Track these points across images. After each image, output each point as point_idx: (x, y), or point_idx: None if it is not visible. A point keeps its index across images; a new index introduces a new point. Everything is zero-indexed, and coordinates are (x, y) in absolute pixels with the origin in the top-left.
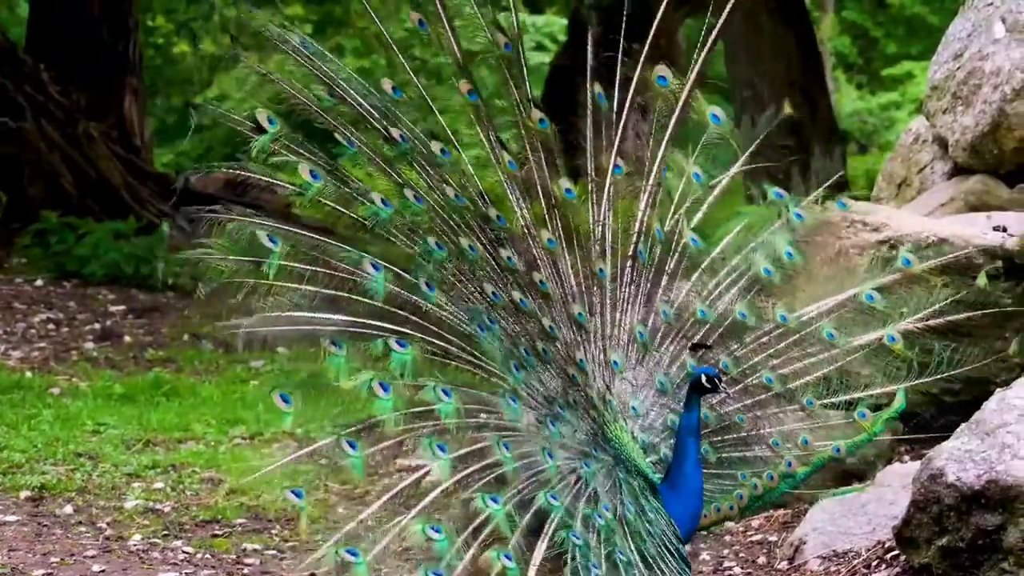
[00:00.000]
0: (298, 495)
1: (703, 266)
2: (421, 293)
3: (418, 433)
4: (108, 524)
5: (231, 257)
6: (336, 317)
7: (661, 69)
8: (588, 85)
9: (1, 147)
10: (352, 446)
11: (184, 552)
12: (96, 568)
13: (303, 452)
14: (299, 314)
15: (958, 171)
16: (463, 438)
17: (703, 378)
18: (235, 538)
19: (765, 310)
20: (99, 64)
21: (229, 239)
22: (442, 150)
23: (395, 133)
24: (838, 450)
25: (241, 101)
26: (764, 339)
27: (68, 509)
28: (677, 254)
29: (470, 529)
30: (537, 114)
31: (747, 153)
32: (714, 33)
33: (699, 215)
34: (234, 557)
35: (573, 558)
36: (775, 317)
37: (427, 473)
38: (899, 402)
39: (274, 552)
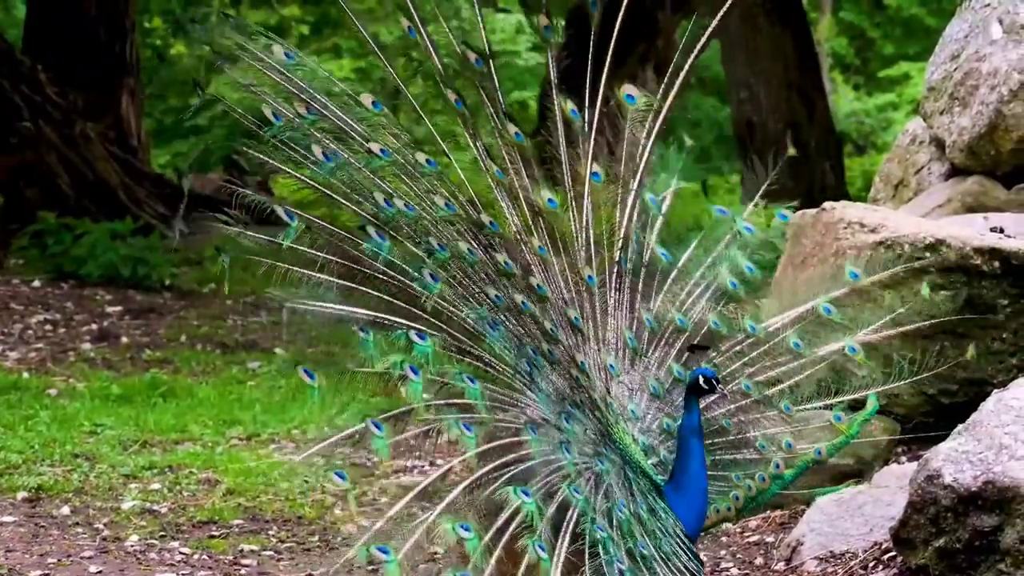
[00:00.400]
0: (341, 476)
1: (671, 277)
2: (424, 284)
3: (444, 421)
4: (105, 525)
5: (249, 232)
6: (361, 311)
7: (628, 88)
8: (556, 100)
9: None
10: (378, 427)
11: (181, 553)
12: (93, 569)
13: (338, 437)
14: (329, 305)
15: (955, 172)
16: (486, 431)
17: (700, 379)
18: (232, 539)
19: (736, 320)
20: (96, 65)
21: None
22: (428, 160)
23: (375, 147)
24: (819, 452)
25: (238, 102)
26: (738, 348)
27: (65, 510)
28: (648, 265)
29: (496, 526)
30: (512, 128)
31: (676, 176)
32: (703, 38)
33: (656, 230)
34: (231, 558)
35: (595, 555)
36: (745, 327)
37: (450, 470)
38: (872, 405)
39: (271, 553)
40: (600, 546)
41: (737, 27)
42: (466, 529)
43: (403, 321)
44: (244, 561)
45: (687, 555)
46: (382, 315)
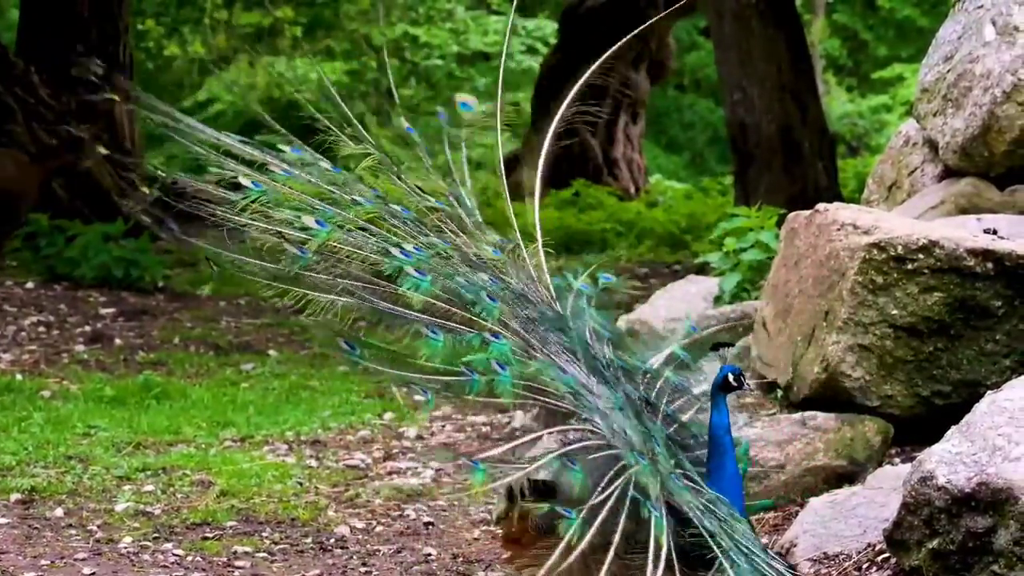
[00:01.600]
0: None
1: (566, 327)
2: (485, 307)
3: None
4: (99, 527)
5: (243, 257)
6: (424, 316)
7: (463, 96)
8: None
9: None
10: (472, 372)
11: (175, 555)
12: (87, 571)
13: (406, 374)
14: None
15: (948, 173)
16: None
17: (730, 376)
18: (226, 541)
19: (631, 360)
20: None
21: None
22: (403, 208)
23: (360, 197)
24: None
25: (232, 103)
26: (647, 382)
27: (59, 512)
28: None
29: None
30: (432, 199)
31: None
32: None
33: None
34: (225, 560)
35: (692, 551)
36: (637, 365)
37: (539, 438)
38: (743, 444)
39: (265, 555)
40: (713, 538)
41: (730, 28)
42: (573, 462)
43: (469, 330)
44: (238, 563)
45: (766, 550)
46: (443, 322)
